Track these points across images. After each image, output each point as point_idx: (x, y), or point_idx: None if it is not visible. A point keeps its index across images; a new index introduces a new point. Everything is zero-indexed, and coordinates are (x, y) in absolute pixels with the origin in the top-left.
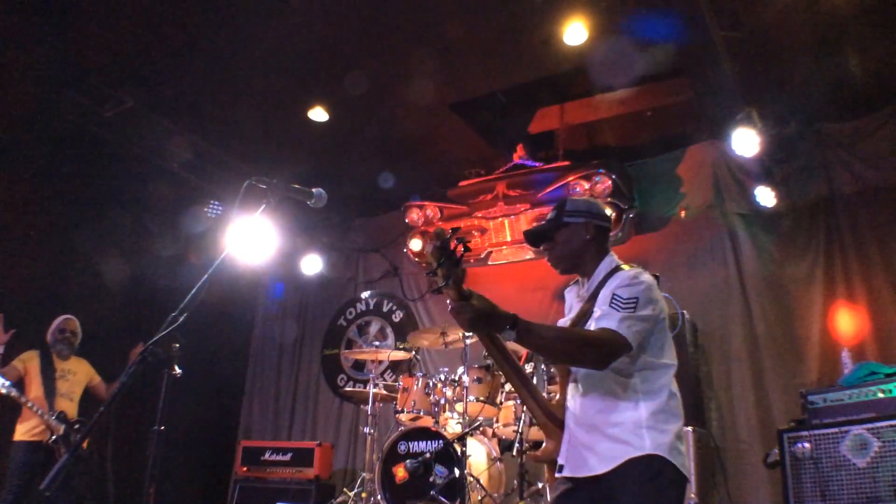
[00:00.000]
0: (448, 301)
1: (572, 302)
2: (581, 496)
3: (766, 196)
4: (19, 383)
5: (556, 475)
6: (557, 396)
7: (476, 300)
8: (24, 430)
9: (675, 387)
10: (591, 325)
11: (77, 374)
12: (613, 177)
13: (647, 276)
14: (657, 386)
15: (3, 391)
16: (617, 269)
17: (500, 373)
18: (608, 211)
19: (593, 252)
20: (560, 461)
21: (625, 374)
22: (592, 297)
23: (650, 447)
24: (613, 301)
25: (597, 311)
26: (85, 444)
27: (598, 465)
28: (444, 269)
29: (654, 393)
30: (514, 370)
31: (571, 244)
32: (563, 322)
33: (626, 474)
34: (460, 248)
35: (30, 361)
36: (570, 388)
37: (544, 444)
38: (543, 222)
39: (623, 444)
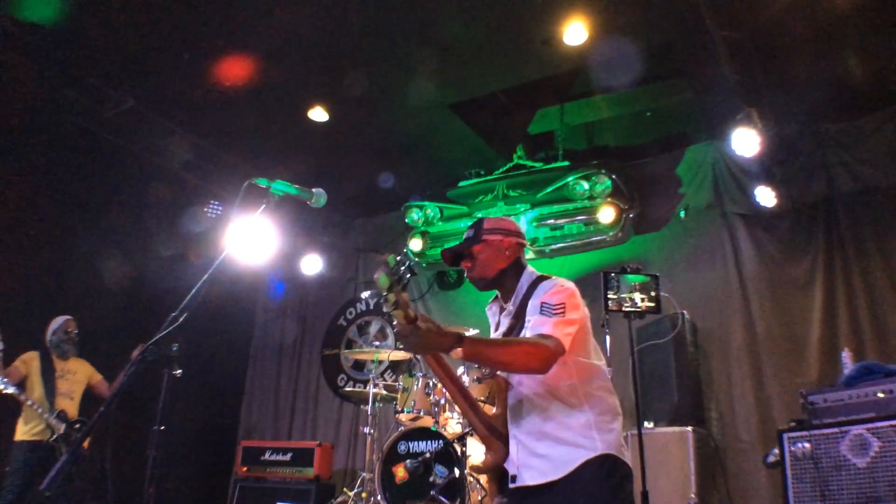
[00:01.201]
0: (394, 324)
1: (498, 318)
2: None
3: (766, 196)
4: (21, 383)
5: (511, 485)
6: (496, 409)
7: (422, 322)
8: (25, 430)
9: (611, 386)
10: (527, 333)
11: (77, 374)
12: (613, 177)
13: (570, 284)
14: (596, 386)
15: (3, 389)
16: (538, 280)
17: (440, 383)
18: (521, 229)
19: (512, 268)
20: (512, 472)
21: (565, 378)
22: (520, 310)
23: (602, 447)
24: (543, 309)
25: (530, 320)
26: (86, 444)
27: (554, 471)
28: (393, 293)
29: (595, 393)
30: (457, 387)
31: (490, 261)
32: (496, 337)
33: (582, 476)
34: (406, 275)
35: (31, 362)
36: (512, 398)
37: (485, 457)
38: (462, 241)
39: (576, 447)
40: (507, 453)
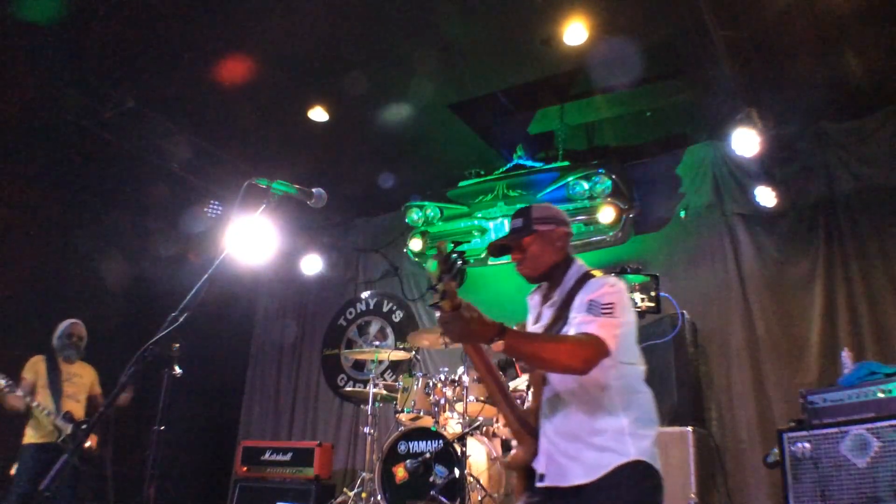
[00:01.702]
0: (437, 312)
1: (539, 309)
2: None
3: (766, 196)
4: (30, 390)
5: (538, 484)
6: (530, 402)
7: (465, 310)
8: (33, 433)
9: (650, 392)
10: (571, 331)
11: (83, 378)
12: (613, 177)
13: (621, 283)
14: (635, 391)
15: (5, 387)
16: (588, 275)
17: (478, 375)
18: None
19: (561, 258)
20: (540, 470)
21: (604, 381)
22: (565, 304)
23: (635, 453)
24: (591, 307)
25: (575, 317)
26: (94, 444)
27: (585, 475)
28: (443, 284)
29: (633, 399)
30: (494, 378)
31: (542, 252)
32: (536, 329)
33: (613, 482)
34: (458, 264)
35: (37, 366)
36: (547, 396)
37: (514, 452)
38: (510, 232)
39: (609, 452)
40: (537, 449)
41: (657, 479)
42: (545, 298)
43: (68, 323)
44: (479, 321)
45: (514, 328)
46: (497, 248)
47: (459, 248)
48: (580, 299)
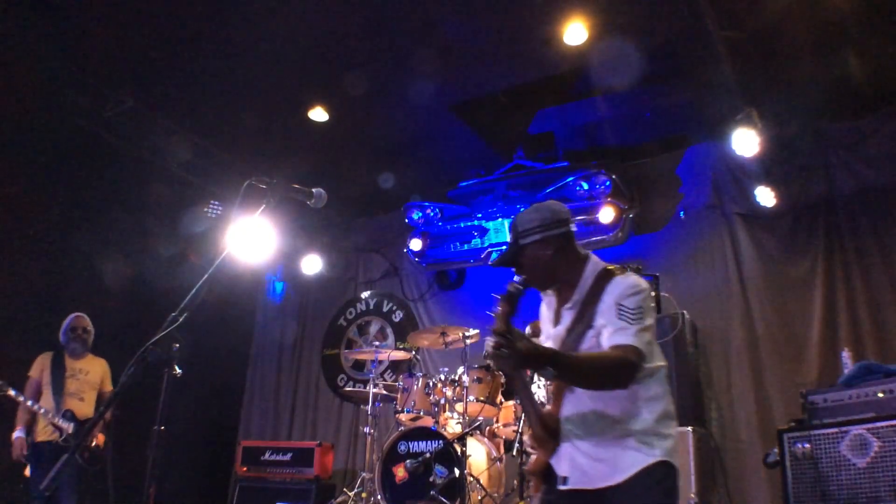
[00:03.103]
0: (488, 342)
1: (556, 309)
2: None
3: (766, 196)
4: (39, 389)
5: (560, 487)
6: (550, 406)
7: (520, 343)
8: (39, 431)
9: (668, 387)
10: (604, 340)
11: (90, 374)
12: (613, 177)
13: (644, 283)
14: (658, 391)
15: (15, 397)
16: (608, 273)
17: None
18: (564, 208)
19: (564, 261)
20: (563, 474)
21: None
22: (586, 305)
23: (660, 454)
24: (622, 313)
25: (606, 325)
26: (101, 443)
27: (610, 476)
28: (498, 310)
29: (656, 399)
30: (525, 389)
31: (537, 265)
32: (554, 333)
33: (639, 482)
34: (519, 298)
35: (43, 363)
36: (570, 399)
37: (535, 456)
38: (504, 250)
39: (634, 452)
40: (557, 452)
41: (677, 477)
42: (562, 300)
43: (72, 316)
44: (533, 353)
45: (564, 354)
46: (503, 266)
47: (518, 283)
48: (606, 302)
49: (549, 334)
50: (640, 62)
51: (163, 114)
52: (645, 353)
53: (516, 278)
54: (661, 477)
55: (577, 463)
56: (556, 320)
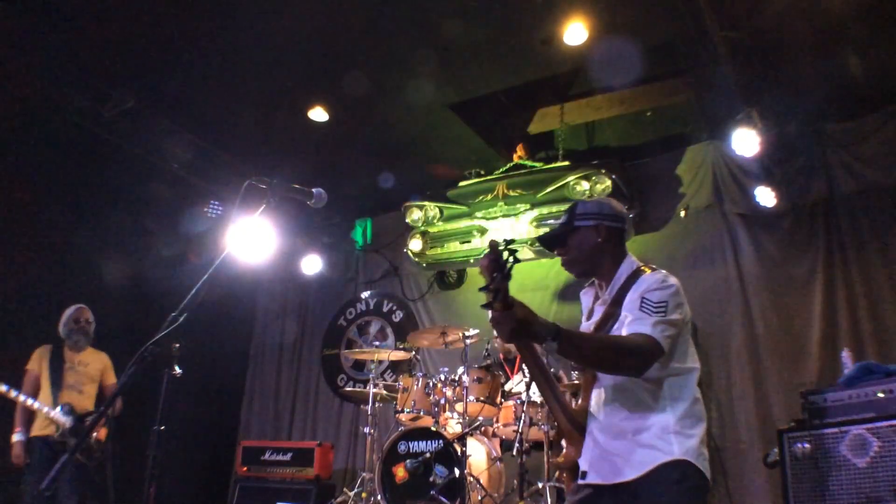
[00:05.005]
0: (490, 312)
1: (591, 305)
2: (605, 503)
3: (766, 196)
4: (38, 383)
5: (580, 482)
6: (580, 401)
7: (519, 310)
8: (37, 426)
9: (698, 391)
10: (623, 331)
11: (89, 366)
12: (613, 177)
13: (674, 280)
14: (684, 391)
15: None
16: (639, 271)
17: (529, 374)
18: (624, 210)
19: (609, 254)
20: (583, 467)
21: (653, 380)
22: (616, 301)
23: (679, 452)
24: (644, 305)
25: (627, 316)
26: (102, 437)
27: (627, 472)
28: (496, 283)
29: (681, 398)
30: (545, 377)
31: (584, 248)
32: (585, 327)
33: (654, 480)
34: (509, 261)
35: (42, 355)
36: (595, 393)
37: (565, 451)
38: (556, 227)
39: (652, 449)
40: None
41: (700, 480)
42: (597, 296)
43: (74, 308)
44: (533, 322)
45: (568, 328)
46: (545, 242)
47: (512, 246)
48: (631, 296)
49: (582, 328)
50: (640, 62)
51: (163, 114)
52: (662, 345)
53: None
54: (679, 477)
55: (596, 457)
56: (590, 315)
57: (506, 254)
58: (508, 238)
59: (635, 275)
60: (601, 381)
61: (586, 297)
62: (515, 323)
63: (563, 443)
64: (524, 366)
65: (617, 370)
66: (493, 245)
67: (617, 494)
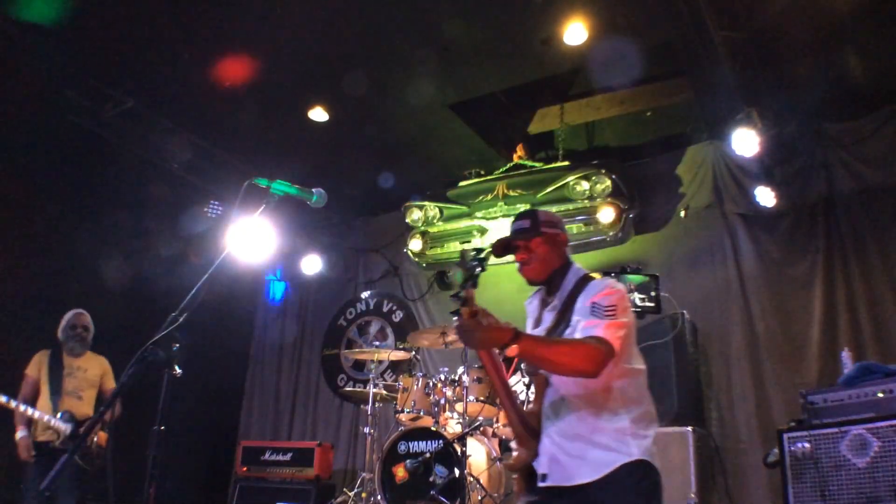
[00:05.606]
0: (455, 319)
1: (538, 313)
2: None
3: (766, 196)
4: (37, 390)
5: (540, 484)
6: (532, 405)
7: (482, 317)
8: (37, 432)
9: (650, 395)
10: (576, 335)
11: (88, 371)
12: (613, 177)
13: (620, 285)
14: (636, 394)
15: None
16: (587, 277)
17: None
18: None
19: (562, 261)
20: (542, 471)
21: (606, 382)
22: (566, 307)
23: (638, 453)
24: (594, 310)
25: (580, 321)
26: (103, 442)
27: (587, 474)
28: (464, 291)
29: (636, 399)
30: (501, 380)
31: (549, 256)
32: (537, 333)
33: (615, 481)
34: (476, 270)
35: (41, 361)
36: (550, 397)
37: (516, 454)
38: (519, 231)
39: (611, 451)
40: (538, 450)
41: (657, 477)
42: (544, 303)
43: (72, 313)
44: (496, 328)
45: (529, 332)
46: (502, 247)
47: (480, 257)
48: (581, 303)
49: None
50: (640, 62)
51: (163, 114)
52: (615, 347)
53: (477, 258)
54: (640, 477)
55: (554, 459)
56: (538, 322)
57: (474, 263)
58: (479, 248)
59: (583, 281)
60: (556, 386)
61: (531, 305)
62: (480, 330)
63: (513, 444)
64: (522, 365)
65: (574, 372)
66: (464, 254)
67: (573, 496)
